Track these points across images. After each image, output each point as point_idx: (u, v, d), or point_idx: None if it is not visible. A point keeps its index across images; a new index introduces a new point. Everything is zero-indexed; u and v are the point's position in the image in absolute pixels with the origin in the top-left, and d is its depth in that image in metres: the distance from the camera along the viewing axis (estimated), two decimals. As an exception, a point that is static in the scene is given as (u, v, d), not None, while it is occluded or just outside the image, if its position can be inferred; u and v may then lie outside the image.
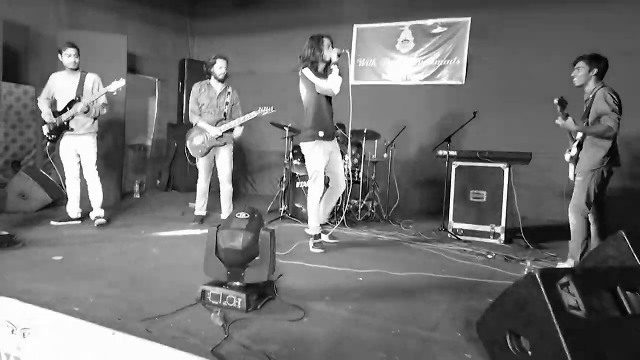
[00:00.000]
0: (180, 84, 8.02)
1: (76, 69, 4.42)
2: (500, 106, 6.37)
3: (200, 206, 4.93)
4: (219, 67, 4.67)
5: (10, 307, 2.28)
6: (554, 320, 1.57)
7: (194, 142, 4.73)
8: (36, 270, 2.93)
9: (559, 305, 1.61)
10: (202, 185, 4.87)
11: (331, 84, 3.77)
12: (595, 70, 3.46)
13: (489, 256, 3.97)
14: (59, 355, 2.07)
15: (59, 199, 5.17)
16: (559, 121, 3.48)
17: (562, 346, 1.54)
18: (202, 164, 4.81)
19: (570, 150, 3.68)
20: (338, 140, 4.38)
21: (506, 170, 4.57)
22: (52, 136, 4.43)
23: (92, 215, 4.57)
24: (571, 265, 3.51)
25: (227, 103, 4.75)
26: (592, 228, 3.60)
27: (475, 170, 4.74)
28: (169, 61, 8.14)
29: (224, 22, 8.35)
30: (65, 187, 4.59)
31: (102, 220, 4.48)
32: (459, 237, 4.70)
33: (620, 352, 1.62)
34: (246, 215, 2.42)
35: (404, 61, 6.94)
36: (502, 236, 4.58)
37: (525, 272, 2.73)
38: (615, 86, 3.49)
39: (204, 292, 2.43)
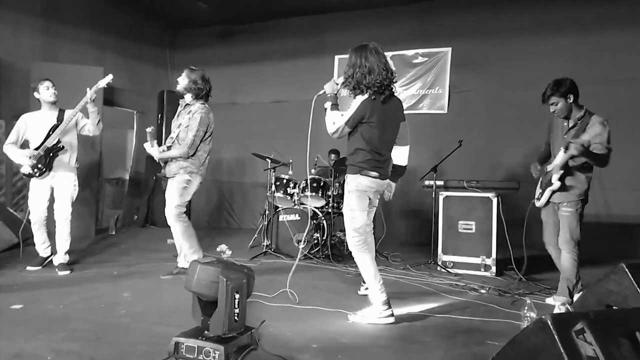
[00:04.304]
0: (160, 115, 7.83)
1: (54, 103, 4.09)
2: (484, 135, 6.34)
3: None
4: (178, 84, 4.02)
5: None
6: (572, 375, 1.39)
7: None
8: (-9, 322, 2.65)
9: (576, 356, 1.43)
10: None
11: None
12: (572, 97, 3.32)
13: (482, 291, 3.80)
14: None
15: (27, 239, 4.85)
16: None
17: (582, 404, 1.35)
18: None
19: (547, 185, 3.48)
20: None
21: (495, 200, 4.45)
22: (39, 167, 3.95)
23: (55, 260, 4.12)
24: (563, 302, 3.33)
25: (179, 125, 3.95)
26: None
27: (464, 201, 4.62)
28: (148, 93, 7.96)
29: (205, 53, 8.23)
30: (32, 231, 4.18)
31: (66, 272, 4.00)
32: (449, 270, 4.53)
33: (645, 407, 1.44)
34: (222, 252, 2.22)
35: (386, 91, 6.90)
36: (494, 268, 4.42)
37: (525, 310, 2.55)
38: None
39: (177, 344, 2.17)
